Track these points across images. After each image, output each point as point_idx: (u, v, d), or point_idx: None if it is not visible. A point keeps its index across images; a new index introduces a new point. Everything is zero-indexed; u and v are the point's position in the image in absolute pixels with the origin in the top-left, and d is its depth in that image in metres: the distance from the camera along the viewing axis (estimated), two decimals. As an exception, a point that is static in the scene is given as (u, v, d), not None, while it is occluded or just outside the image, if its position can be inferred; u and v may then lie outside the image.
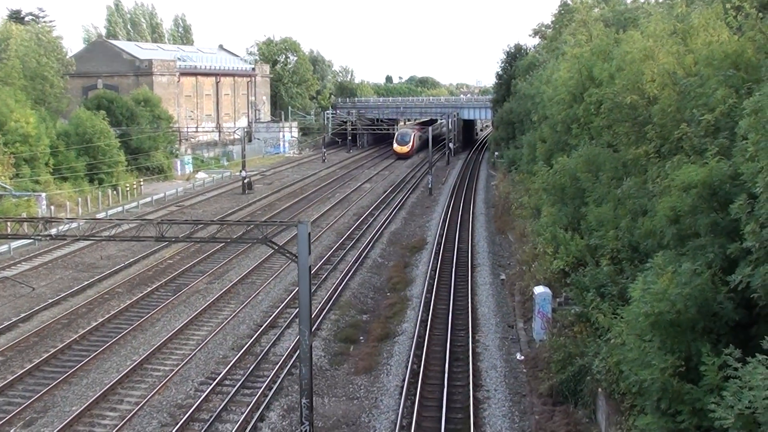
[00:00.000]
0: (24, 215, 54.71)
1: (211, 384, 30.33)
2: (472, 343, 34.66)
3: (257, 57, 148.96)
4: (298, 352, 27.94)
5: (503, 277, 45.83)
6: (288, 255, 26.12)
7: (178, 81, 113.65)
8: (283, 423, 27.59)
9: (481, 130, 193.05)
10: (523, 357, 32.88)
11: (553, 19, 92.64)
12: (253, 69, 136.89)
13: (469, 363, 32.16)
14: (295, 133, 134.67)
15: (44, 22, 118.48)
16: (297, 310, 31.44)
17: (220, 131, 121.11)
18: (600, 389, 23.94)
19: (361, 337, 36.62)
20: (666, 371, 17.48)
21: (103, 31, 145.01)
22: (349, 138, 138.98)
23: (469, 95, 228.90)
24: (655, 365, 17.71)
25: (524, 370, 31.52)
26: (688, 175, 19.86)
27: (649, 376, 17.76)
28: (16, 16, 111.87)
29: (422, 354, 33.21)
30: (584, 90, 38.31)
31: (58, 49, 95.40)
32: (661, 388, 17.57)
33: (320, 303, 40.36)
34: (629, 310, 19.37)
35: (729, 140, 20.79)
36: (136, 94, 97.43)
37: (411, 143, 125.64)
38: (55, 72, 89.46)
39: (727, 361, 15.65)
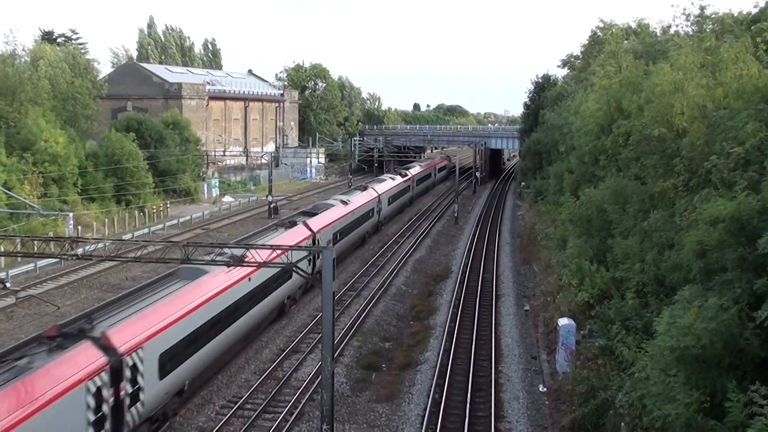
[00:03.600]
0: (51, 234, 55.14)
1: (232, 408, 30.31)
2: (495, 373, 34.44)
3: (286, 82, 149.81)
4: (320, 377, 27.90)
5: (527, 308, 45.58)
6: (312, 280, 26.17)
7: (207, 105, 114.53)
8: (303, 449, 27.56)
9: (508, 159, 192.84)
10: (545, 389, 32.63)
11: (583, 50, 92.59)
12: (282, 94, 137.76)
13: (491, 393, 31.93)
14: (322, 159, 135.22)
15: (76, 43, 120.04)
16: (320, 335, 31.41)
17: (247, 155, 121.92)
18: (623, 423, 23.66)
19: (384, 365, 36.47)
20: (690, 407, 17.29)
21: (135, 54, 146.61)
22: (376, 165, 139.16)
23: (496, 125, 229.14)
24: (680, 400, 17.52)
25: (547, 403, 31.27)
26: (716, 209, 19.71)
27: (674, 411, 17.57)
28: (48, 37, 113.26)
29: (444, 383, 32.99)
30: (612, 121, 38.19)
31: (91, 71, 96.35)
32: (686, 423, 17.36)
33: (343, 329, 40.25)
34: (654, 344, 19.21)
35: (758, 174, 20.63)
36: (165, 117, 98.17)
37: None
38: (88, 93, 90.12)
39: (752, 398, 15.47)
